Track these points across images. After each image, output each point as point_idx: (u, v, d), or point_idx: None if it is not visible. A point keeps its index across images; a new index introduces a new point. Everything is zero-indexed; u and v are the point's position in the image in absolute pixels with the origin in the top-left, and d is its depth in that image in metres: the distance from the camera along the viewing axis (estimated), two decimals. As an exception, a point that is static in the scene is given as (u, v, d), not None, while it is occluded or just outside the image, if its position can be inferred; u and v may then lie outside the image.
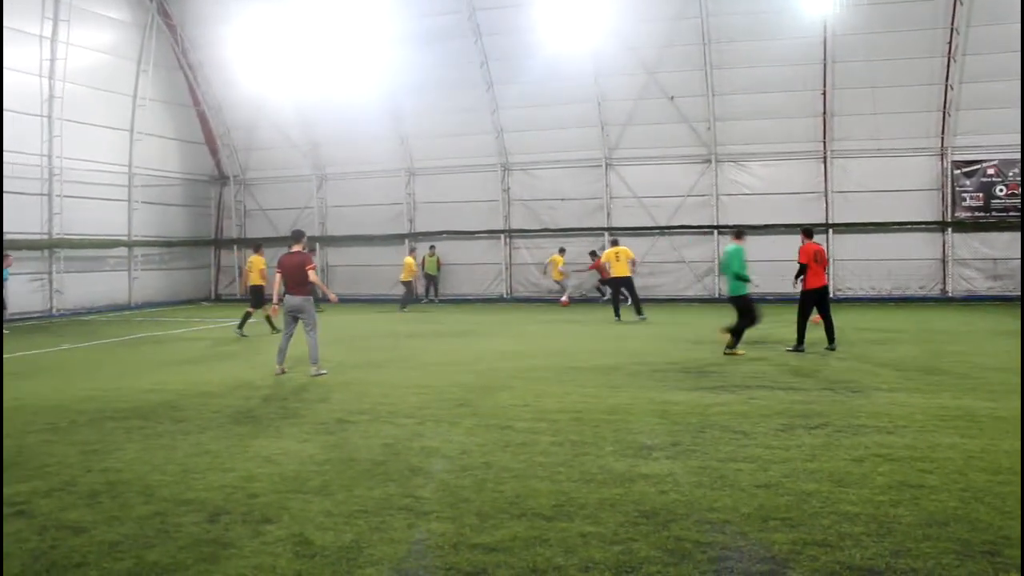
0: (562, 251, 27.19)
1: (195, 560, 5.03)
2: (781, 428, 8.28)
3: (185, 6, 29.16)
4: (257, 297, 19.52)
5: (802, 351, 13.98)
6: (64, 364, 14.66)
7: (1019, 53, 22.03)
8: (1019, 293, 22.64)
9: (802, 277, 14.43)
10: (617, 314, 20.77)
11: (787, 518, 5.58)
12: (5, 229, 22.99)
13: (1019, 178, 23.82)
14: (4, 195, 22.92)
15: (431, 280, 28.80)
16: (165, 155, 29.76)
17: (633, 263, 20.86)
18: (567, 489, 6.32)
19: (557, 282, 27.36)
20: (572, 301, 26.56)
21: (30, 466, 7.36)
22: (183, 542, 5.34)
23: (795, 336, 14.30)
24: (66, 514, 5.97)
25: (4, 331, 19.79)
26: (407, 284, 26.23)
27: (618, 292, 21.09)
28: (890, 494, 6.05)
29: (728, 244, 14.74)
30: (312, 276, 12.62)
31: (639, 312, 20.47)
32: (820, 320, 14.43)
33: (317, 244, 29.74)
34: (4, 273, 20.18)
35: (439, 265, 28.84)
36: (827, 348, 14.11)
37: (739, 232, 15.00)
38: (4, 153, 22.99)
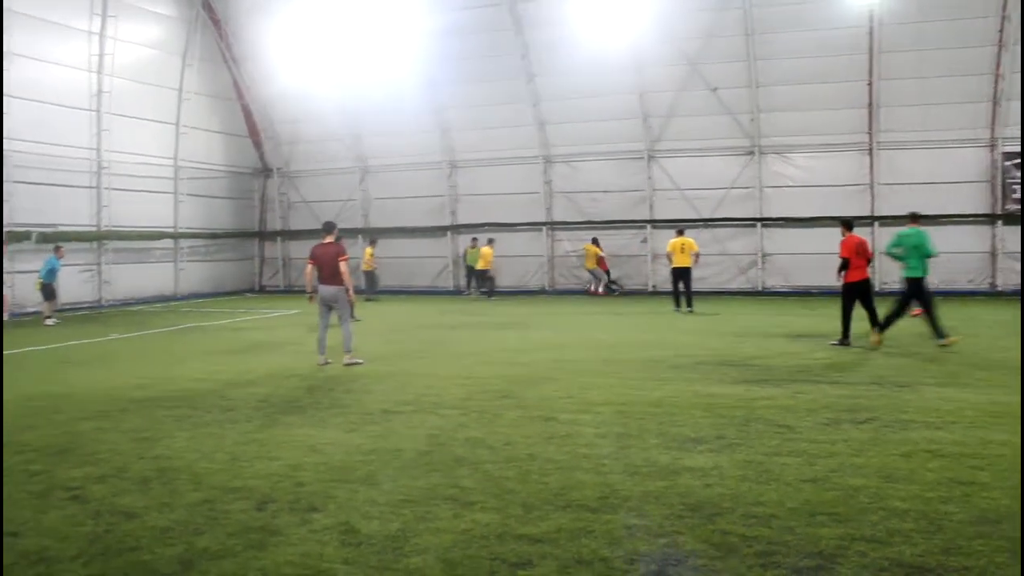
0: (594, 241, 27.55)
1: (244, 547, 5.09)
2: (827, 422, 8.19)
3: (228, 1, 29.46)
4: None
5: (848, 345, 13.82)
6: (113, 353, 14.91)
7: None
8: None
9: (844, 271, 14.28)
10: (677, 305, 20.84)
11: (834, 513, 5.52)
12: (57, 221, 23.57)
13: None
14: (54, 188, 23.58)
15: (472, 272, 28.88)
16: (210, 148, 30.14)
17: (696, 256, 20.92)
18: (612, 481, 6.31)
19: (590, 271, 27.60)
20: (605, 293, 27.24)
21: (83, 452, 7.51)
22: (232, 529, 5.41)
23: (840, 329, 14.14)
24: (119, 499, 6.08)
25: (56, 321, 20.20)
26: (482, 273, 27.19)
27: (678, 283, 21.01)
28: (940, 490, 5.95)
29: (908, 228, 14.20)
30: (343, 267, 12.70)
31: (689, 304, 20.55)
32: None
33: (356, 236, 29.84)
34: (56, 264, 20.61)
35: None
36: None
37: (916, 215, 14.63)
38: (54, 147, 23.50)
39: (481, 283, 27.59)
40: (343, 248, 12.97)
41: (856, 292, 14.14)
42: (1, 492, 5.91)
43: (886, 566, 4.66)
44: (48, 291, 20.42)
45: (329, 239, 13.01)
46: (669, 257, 21.09)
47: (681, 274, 20.76)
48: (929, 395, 9.52)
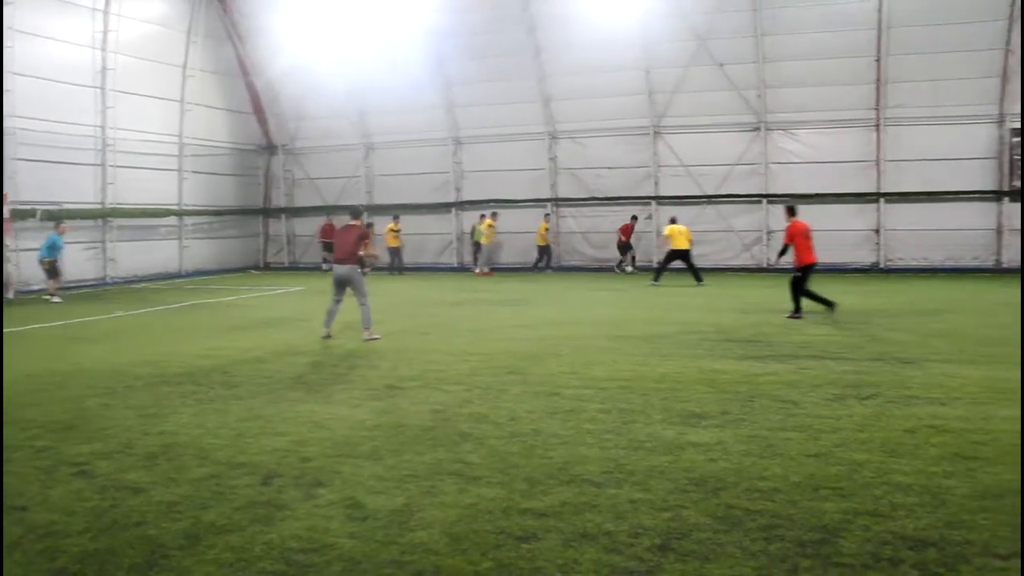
0: (494, 215, 28.25)
1: (250, 521, 5.13)
2: (831, 398, 8.22)
3: (233, -24, 29.29)
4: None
5: (799, 317, 14.33)
6: (118, 330, 14.93)
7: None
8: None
9: (787, 254, 15.05)
10: (656, 279, 21.98)
11: (838, 487, 5.55)
12: (62, 199, 23.54)
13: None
14: (59, 166, 23.60)
15: (479, 248, 28.85)
16: (214, 125, 30.01)
17: (690, 241, 22.40)
18: (616, 456, 6.34)
19: (483, 246, 28.08)
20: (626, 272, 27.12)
21: (90, 428, 7.55)
22: (238, 503, 5.45)
23: (795, 304, 14.73)
24: (125, 475, 6.12)
25: (60, 299, 20.20)
26: (544, 248, 28.06)
27: (671, 261, 22.12)
28: (943, 465, 5.98)
29: None
30: (363, 249, 13.18)
31: (699, 278, 21.61)
32: None
33: (368, 215, 29.70)
34: (58, 241, 20.58)
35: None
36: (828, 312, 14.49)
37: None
38: (58, 124, 23.42)
39: (540, 258, 28.17)
40: (368, 232, 13.50)
41: (810, 272, 14.68)
42: (1, 483, 5.93)
43: (889, 539, 4.69)
44: (51, 268, 20.39)
45: (355, 223, 13.35)
46: (666, 240, 22.23)
47: (682, 255, 21.94)
48: (933, 371, 9.53)
